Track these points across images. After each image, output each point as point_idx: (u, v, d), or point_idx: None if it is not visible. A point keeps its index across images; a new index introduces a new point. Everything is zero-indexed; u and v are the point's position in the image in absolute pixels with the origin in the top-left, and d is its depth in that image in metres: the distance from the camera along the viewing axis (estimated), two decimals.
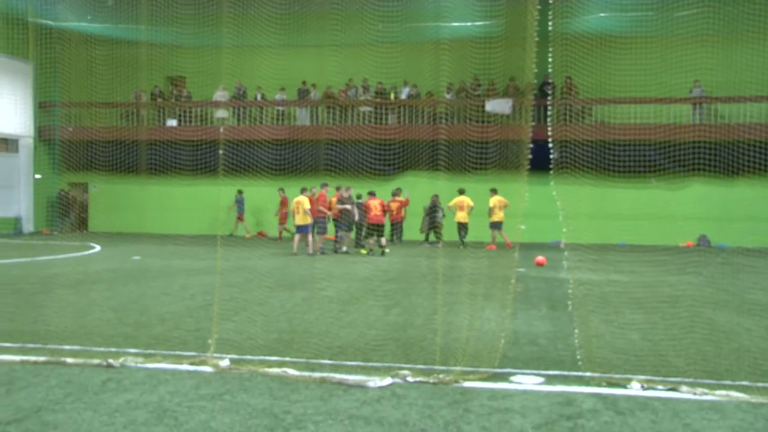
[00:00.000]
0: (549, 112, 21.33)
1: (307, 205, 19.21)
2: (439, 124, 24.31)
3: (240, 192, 26.17)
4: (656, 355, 7.49)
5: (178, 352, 7.30)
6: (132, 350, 7.38)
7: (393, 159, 24.15)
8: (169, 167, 26.45)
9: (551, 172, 8.24)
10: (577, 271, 14.61)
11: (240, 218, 26.55)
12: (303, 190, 19.82)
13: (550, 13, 7.94)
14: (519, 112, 24.06)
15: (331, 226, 20.78)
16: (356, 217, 20.14)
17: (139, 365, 6.73)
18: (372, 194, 20.70)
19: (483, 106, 24.41)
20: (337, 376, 6.33)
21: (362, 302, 10.97)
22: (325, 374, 6.38)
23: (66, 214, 28.54)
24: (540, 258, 17.01)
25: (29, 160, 28.39)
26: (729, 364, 7.05)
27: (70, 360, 6.84)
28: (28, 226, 28.10)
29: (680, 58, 22.42)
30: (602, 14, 24.02)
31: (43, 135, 28.45)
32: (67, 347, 7.49)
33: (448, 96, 25.63)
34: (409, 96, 26.26)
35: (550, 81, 22.72)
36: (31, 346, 7.55)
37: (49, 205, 28.70)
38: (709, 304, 11.02)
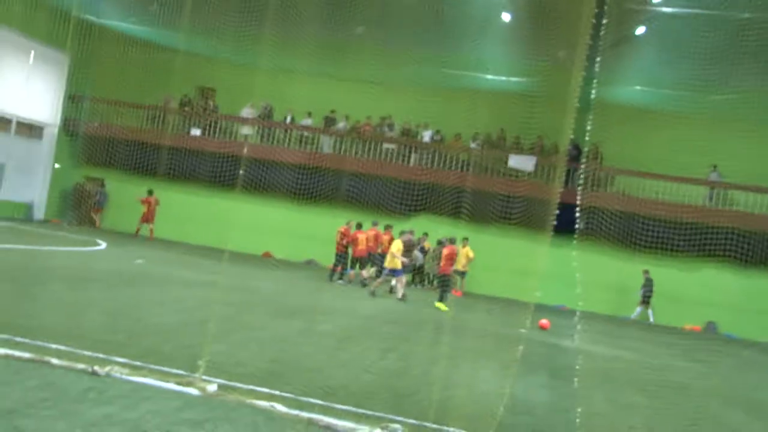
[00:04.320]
0: (580, 177, 21.14)
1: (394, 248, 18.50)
2: (465, 172, 24.12)
3: (103, 185, 28.03)
4: None
5: (166, 369, 7.01)
6: (119, 359, 7.11)
7: (412, 200, 24.04)
8: (187, 175, 26.37)
9: (575, 237, 8.01)
10: (584, 341, 14.28)
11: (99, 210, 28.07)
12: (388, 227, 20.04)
13: (594, 81, 7.77)
14: (543, 171, 23.88)
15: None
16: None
17: (124, 377, 6.47)
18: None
19: (506, 160, 24.30)
20: (326, 419, 6.05)
21: (359, 342, 10.68)
22: (313, 415, 6.11)
23: (79, 207, 28.46)
24: (544, 321, 16.63)
25: (51, 148, 28.42)
26: None
27: (54, 361, 6.59)
28: (38, 214, 28.03)
29: (703, 139, 22.15)
30: (638, 87, 23.97)
31: (68, 126, 28.53)
32: (53, 346, 7.22)
33: (473, 145, 25.51)
34: (432, 140, 26.16)
35: (578, 145, 22.57)
36: (19, 339, 7.30)
37: (63, 196, 28.67)
38: (716, 397, 10.66)
